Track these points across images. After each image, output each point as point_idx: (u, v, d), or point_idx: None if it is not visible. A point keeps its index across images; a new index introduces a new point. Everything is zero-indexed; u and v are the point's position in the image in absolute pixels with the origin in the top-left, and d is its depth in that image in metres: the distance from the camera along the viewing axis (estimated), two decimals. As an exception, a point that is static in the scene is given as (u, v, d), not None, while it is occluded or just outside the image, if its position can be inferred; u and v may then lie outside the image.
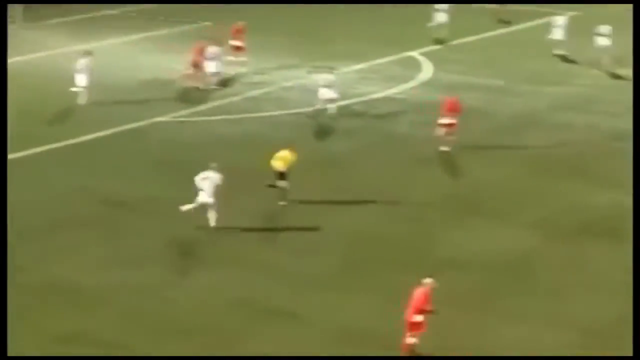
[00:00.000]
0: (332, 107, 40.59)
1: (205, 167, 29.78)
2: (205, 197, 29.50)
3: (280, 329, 24.68)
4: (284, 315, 25.31)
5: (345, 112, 41.10)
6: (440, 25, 53.56)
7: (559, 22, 51.24)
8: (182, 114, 41.26)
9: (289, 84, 45.84)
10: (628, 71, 47.23)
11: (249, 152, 35.75)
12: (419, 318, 22.49)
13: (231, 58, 46.36)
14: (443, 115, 36.59)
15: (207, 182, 29.51)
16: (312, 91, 42.91)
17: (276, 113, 41.67)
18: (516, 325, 24.57)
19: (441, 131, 36.39)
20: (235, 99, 43.55)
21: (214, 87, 44.24)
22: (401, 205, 32.29)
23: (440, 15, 53.79)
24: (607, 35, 47.99)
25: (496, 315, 25.06)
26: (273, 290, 26.57)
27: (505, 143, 38.26)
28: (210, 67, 44.26)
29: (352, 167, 35.43)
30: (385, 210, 31.97)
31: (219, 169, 29.72)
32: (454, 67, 48.85)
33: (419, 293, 22.74)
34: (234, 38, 47.16)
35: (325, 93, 40.40)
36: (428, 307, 22.59)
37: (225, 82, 44.89)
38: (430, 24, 53.69)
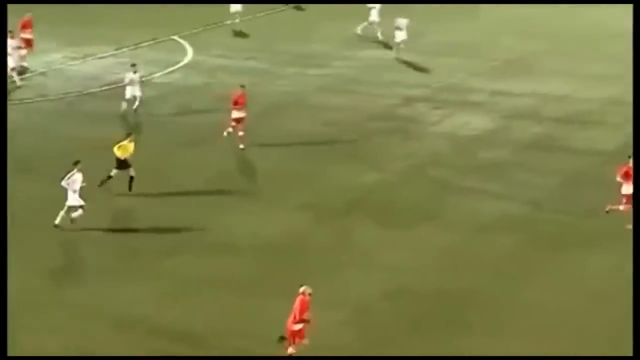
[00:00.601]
0: (138, 104, 39.25)
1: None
2: (75, 199, 28.78)
3: (59, 318, 24.36)
4: (59, 304, 24.95)
5: (108, 97, 40.33)
6: (236, 12, 53.23)
7: (376, 6, 51.25)
8: None
9: (46, 69, 44.70)
10: (396, 53, 48.19)
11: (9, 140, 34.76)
12: (299, 327, 22.47)
13: (24, 51, 44.71)
14: (232, 110, 36.08)
15: (75, 184, 28.78)
16: (70, 77, 41.82)
17: (36, 99, 40.73)
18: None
19: (232, 126, 35.94)
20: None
21: (14, 79, 42.52)
22: (170, 190, 32.10)
23: (234, 6, 53.41)
24: (404, 27, 48.71)
25: (271, 298, 25.09)
26: (53, 281, 26.30)
27: (272, 126, 38.46)
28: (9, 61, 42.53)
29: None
30: (155, 195, 31.70)
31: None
32: (217, 51, 48.81)
33: (298, 302, 22.53)
34: (23, 31, 45.36)
35: (130, 91, 39.25)
36: (306, 316, 22.46)
37: (23, 74, 43.45)
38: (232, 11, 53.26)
